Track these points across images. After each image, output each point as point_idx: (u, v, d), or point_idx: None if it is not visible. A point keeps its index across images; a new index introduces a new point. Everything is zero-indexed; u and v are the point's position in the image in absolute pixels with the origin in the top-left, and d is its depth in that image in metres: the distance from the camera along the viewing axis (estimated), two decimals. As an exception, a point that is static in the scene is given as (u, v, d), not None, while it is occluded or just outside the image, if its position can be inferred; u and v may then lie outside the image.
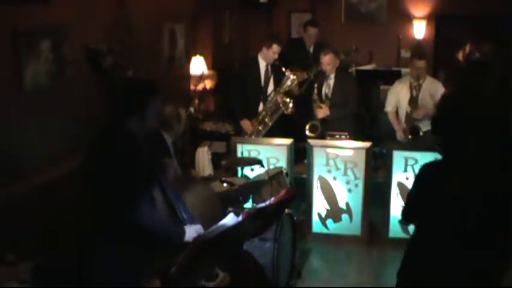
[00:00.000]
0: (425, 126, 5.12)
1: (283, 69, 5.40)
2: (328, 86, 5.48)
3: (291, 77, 5.44)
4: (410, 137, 5.32)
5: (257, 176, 4.54)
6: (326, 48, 5.51)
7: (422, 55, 5.50)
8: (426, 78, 5.38)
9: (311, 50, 6.55)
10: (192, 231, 2.81)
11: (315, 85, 5.44)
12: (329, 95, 5.46)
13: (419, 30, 8.02)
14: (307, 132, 5.35)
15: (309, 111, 5.48)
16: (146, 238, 2.65)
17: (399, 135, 5.46)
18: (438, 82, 5.52)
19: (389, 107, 5.60)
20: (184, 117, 4.15)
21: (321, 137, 5.28)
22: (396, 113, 5.57)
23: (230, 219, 2.66)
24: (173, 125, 4.08)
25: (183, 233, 2.79)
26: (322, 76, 5.48)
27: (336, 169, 4.92)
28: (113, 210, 2.60)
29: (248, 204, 4.25)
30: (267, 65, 5.56)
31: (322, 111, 5.38)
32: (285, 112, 5.42)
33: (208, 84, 6.63)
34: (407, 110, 5.39)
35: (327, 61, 5.35)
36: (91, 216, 2.71)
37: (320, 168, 4.94)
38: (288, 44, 6.84)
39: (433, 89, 5.29)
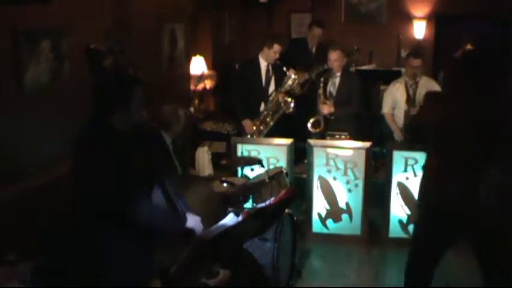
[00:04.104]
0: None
1: (285, 68, 5.39)
2: (333, 84, 5.47)
3: (292, 76, 5.43)
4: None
5: (257, 176, 4.53)
6: (334, 45, 5.50)
7: (418, 54, 5.50)
8: (422, 77, 5.38)
9: (313, 50, 6.55)
10: (192, 220, 2.82)
11: (321, 84, 5.40)
12: (334, 93, 5.46)
13: (419, 30, 8.02)
14: (309, 128, 5.35)
15: (310, 111, 5.48)
16: (144, 232, 2.66)
17: (398, 136, 5.46)
18: (434, 81, 5.53)
19: (386, 109, 5.59)
20: (182, 117, 4.16)
21: (321, 137, 5.28)
22: (393, 114, 5.57)
23: (230, 219, 2.66)
24: (172, 125, 4.08)
25: (183, 221, 2.81)
26: (328, 74, 5.46)
27: (336, 169, 4.92)
28: (106, 206, 2.60)
29: (248, 204, 4.24)
30: (267, 65, 5.54)
31: (327, 108, 5.37)
32: (286, 111, 5.41)
33: (208, 84, 6.64)
34: (405, 109, 5.38)
35: (335, 57, 5.34)
36: (87, 215, 2.71)
37: (320, 168, 4.94)
38: (289, 44, 6.83)
39: (429, 87, 5.28)
